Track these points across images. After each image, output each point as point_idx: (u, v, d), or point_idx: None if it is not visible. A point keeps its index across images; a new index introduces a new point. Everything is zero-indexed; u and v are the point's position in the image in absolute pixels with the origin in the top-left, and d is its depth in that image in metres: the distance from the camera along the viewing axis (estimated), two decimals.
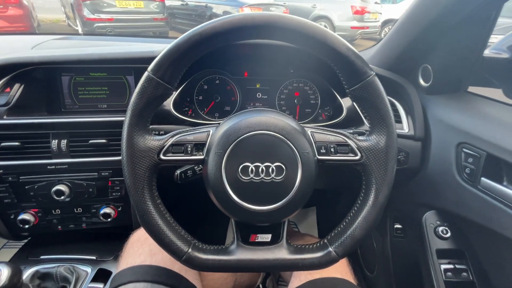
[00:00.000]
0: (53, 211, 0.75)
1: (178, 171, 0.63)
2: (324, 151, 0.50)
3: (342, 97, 0.79)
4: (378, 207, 0.49)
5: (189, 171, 0.65)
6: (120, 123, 0.47)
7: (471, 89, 0.77)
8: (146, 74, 0.46)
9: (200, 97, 0.85)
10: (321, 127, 0.52)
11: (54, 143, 0.70)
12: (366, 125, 0.76)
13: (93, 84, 0.79)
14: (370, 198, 0.49)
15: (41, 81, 0.76)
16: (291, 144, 0.47)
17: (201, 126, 0.52)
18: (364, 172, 0.50)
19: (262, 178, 0.46)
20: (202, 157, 0.49)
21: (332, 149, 0.50)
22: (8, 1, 4.61)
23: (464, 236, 0.68)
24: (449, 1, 0.59)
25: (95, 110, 0.80)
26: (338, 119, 0.76)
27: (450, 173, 0.64)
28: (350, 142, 0.50)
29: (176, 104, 0.77)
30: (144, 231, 0.70)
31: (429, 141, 0.71)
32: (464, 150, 0.62)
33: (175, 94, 0.76)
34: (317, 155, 0.49)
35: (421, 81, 0.78)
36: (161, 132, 0.69)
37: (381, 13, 6.63)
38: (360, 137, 0.51)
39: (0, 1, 4.54)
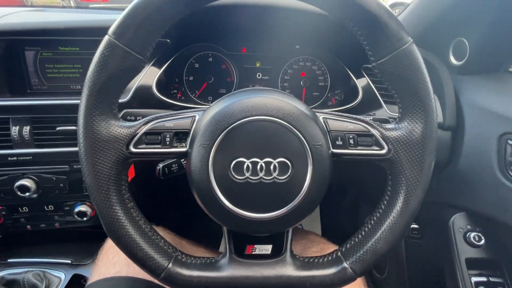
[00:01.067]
0: (19, 208, 0.65)
1: (160, 165, 0.52)
2: (340, 142, 0.39)
3: (357, 77, 0.66)
4: (409, 215, 0.39)
5: (174, 165, 0.54)
6: None
7: None
8: (106, 38, 0.34)
9: (191, 78, 0.73)
10: (336, 113, 0.41)
11: (14, 130, 0.59)
12: (385, 110, 0.64)
13: (64, 61, 0.67)
14: (399, 203, 0.39)
15: (1, 57, 0.64)
16: (299, 134, 0.36)
17: (184, 111, 0.40)
18: (392, 170, 0.39)
19: (261, 177, 0.35)
20: (184, 149, 0.38)
21: (351, 141, 0.39)
22: None
23: (501, 244, 0.58)
24: None
25: (67, 91, 0.68)
26: (352, 104, 0.65)
27: (489, 169, 0.53)
28: (374, 131, 0.39)
29: (161, 85, 0.65)
30: None
31: (462, 130, 0.59)
32: (510, 142, 0.51)
33: (159, 72, 0.64)
34: (331, 148, 0.38)
35: (452, 59, 0.65)
36: (138, 118, 0.57)
37: None
38: (387, 125, 0.39)
39: None
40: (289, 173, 0.36)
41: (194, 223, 0.81)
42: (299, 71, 0.74)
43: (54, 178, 0.62)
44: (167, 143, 0.38)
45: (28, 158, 0.60)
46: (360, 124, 0.40)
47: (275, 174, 0.36)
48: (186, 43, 0.68)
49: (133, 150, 0.37)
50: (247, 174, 0.36)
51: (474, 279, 0.56)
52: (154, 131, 0.38)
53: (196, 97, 0.74)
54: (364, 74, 0.66)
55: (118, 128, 0.37)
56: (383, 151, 0.38)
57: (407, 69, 0.36)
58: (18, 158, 0.60)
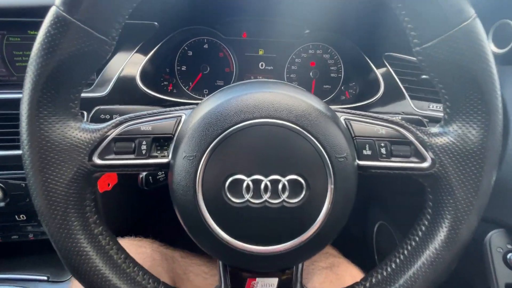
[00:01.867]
0: None
1: (143, 174, 0.44)
2: (369, 152, 0.30)
3: (378, 67, 0.56)
4: (457, 247, 0.30)
5: (160, 173, 0.45)
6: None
7: None
8: (53, 11, 0.25)
9: (183, 67, 0.64)
10: (361, 113, 0.32)
11: None
12: (411, 107, 0.54)
13: None
14: (443, 231, 0.30)
15: None
16: (317, 143, 0.27)
17: (167, 109, 0.31)
18: (435, 188, 0.30)
19: (265, 201, 0.27)
20: (166, 160, 0.30)
21: (383, 150, 0.30)
22: None
23: None
24: None
25: None
26: (372, 99, 0.55)
27: None
28: (412, 137, 0.30)
29: (147, 76, 0.55)
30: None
31: (507, 132, 0.49)
32: None
33: (144, 60, 0.54)
34: (358, 160, 0.29)
35: (493, 47, 0.55)
36: (114, 117, 0.48)
37: None
38: (432, 129, 0.30)
39: None
40: (302, 195, 0.27)
41: (186, 241, 0.73)
42: (308, 60, 0.64)
43: (24, 185, 0.53)
44: (143, 152, 0.29)
45: None
46: (394, 128, 0.30)
47: (284, 197, 0.27)
48: (177, 26, 0.58)
49: (98, 162, 0.28)
50: (247, 197, 0.27)
51: None
52: (127, 136, 0.29)
53: (189, 90, 0.65)
54: (386, 64, 0.56)
55: (78, 132, 0.28)
56: (425, 164, 0.29)
57: (466, 54, 0.26)
58: None
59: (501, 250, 0.50)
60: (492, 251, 0.50)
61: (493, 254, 0.50)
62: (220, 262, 0.33)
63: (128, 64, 0.53)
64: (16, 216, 0.57)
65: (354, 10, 0.41)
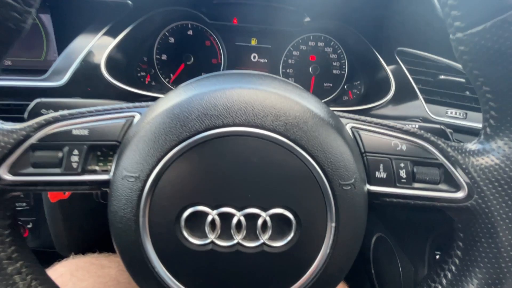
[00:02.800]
0: None
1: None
2: (383, 175, 0.23)
3: (389, 64, 0.48)
4: None
5: None
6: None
7: None
8: None
9: (163, 56, 0.55)
10: (372, 120, 0.24)
11: None
12: (426, 111, 0.46)
13: None
14: (477, 285, 0.22)
15: None
16: (313, 164, 0.19)
17: (118, 106, 0.23)
18: (470, 226, 0.23)
19: (237, 243, 0.19)
20: (107, 176, 0.21)
21: (403, 172, 0.22)
22: None
23: None
24: None
25: None
26: (381, 102, 0.47)
27: None
28: (441, 156, 0.22)
29: (116, 64, 0.47)
30: (72, 263, 0.44)
31: None
32: None
33: (112, 45, 0.45)
34: (367, 184, 0.21)
35: None
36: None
37: None
38: (469, 145, 0.22)
39: None
40: (291, 236, 0.19)
41: None
42: (308, 53, 0.56)
43: None
44: (73, 165, 0.21)
45: None
46: (418, 143, 0.23)
47: (264, 238, 0.19)
48: (155, 5, 0.49)
49: (8, 177, 0.20)
50: (212, 237, 0.19)
51: None
52: (51, 143, 0.21)
53: (170, 83, 0.56)
54: (399, 60, 0.48)
55: None
56: (460, 195, 0.22)
57: None
58: None
59: None
60: None
61: None
62: None
63: (93, 49, 0.45)
64: None
65: None
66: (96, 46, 0.45)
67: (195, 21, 0.54)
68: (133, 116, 0.23)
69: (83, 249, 0.46)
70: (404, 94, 0.46)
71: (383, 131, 0.23)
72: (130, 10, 0.47)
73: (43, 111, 0.34)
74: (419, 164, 0.22)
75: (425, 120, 0.45)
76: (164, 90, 0.56)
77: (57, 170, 0.21)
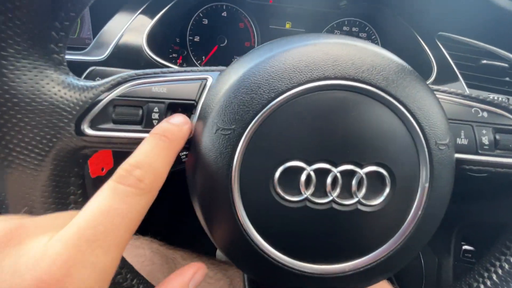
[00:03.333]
0: None
1: None
2: (465, 141, 0.22)
3: (430, 47, 0.48)
4: None
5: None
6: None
7: None
8: None
9: (196, 38, 0.54)
10: (448, 90, 0.24)
11: None
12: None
13: None
14: None
15: None
16: (412, 120, 0.18)
17: (188, 68, 0.23)
18: None
19: (332, 200, 0.18)
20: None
21: (485, 139, 0.22)
22: None
23: None
24: None
25: None
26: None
27: None
28: None
29: (154, 42, 0.46)
30: None
31: None
32: None
33: (151, 23, 0.45)
34: (454, 152, 0.21)
35: None
36: None
37: None
38: None
39: None
40: (385, 193, 0.19)
41: (187, 228, 0.64)
42: None
43: None
44: (154, 122, 0.21)
45: None
46: (498, 112, 0.22)
47: (360, 196, 0.18)
48: None
49: (89, 132, 0.20)
50: (307, 193, 0.18)
51: None
52: (132, 99, 0.20)
53: (202, 65, 0.56)
54: (440, 45, 0.47)
55: (62, 88, 0.19)
56: None
57: None
58: None
59: None
60: None
61: None
62: (246, 277, 0.24)
63: (131, 26, 0.44)
64: None
65: None
66: (135, 23, 0.44)
67: (230, 2, 0.53)
68: (206, 79, 0.22)
69: None
70: (446, 78, 0.46)
71: (462, 100, 0.23)
72: None
73: (97, 79, 0.33)
74: (502, 131, 0.22)
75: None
76: None
77: (138, 127, 0.21)
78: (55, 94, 0.19)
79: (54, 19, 0.18)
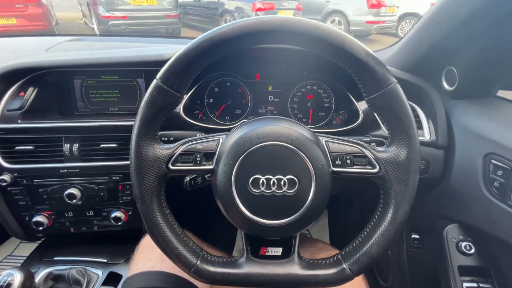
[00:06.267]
0: (65, 213, 0.76)
1: (187, 178, 0.62)
2: (339, 162, 0.47)
3: (358, 100, 0.75)
4: (397, 224, 0.46)
5: (198, 178, 0.64)
6: (130, 128, 0.46)
7: (501, 93, 0.71)
8: (154, 82, 0.45)
9: (211, 100, 0.84)
10: (336, 137, 0.50)
11: (66, 147, 0.71)
12: (383, 130, 0.72)
13: (105, 87, 0.79)
14: (389, 214, 0.46)
15: (53, 85, 0.77)
16: (304, 156, 0.44)
17: (210, 135, 0.50)
18: (383, 186, 0.47)
19: (273, 191, 0.44)
20: (211, 167, 0.47)
21: (348, 161, 0.47)
22: (28, 0, 4.79)
23: (490, 253, 0.63)
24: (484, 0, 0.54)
25: (106, 113, 0.80)
26: (354, 124, 0.73)
27: (476, 185, 0.60)
28: (367, 153, 0.47)
29: (186, 108, 0.75)
30: (147, 239, 0.69)
31: (453, 149, 0.66)
32: (493, 161, 0.58)
33: (185, 98, 0.75)
34: (332, 167, 0.47)
35: (445, 85, 0.73)
36: (170, 139, 0.68)
37: (398, 7, 6.32)
38: (379, 148, 0.47)
39: (20, 0, 4.72)
40: (296, 188, 0.44)
41: (212, 230, 0.90)
42: (307, 94, 0.83)
43: (96, 188, 0.72)
44: (198, 161, 0.48)
45: (76, 170, 0.71)
46: (356, 147, 0.48)
47: (284, 189, 0.44)
48: (208, 72, 0.79)
49: (171, 167, 0.47)
50: (262, 188, 0.44)
51: (465, 284, 0.61)
52: (188, 152, 0.48)
53: (215, 117, 0.84)
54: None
55: (160, 150, 0.47)
56: (375, 170, 0.46)
57: (393, 104, 0.44)
58: (68, 170, 0.71)
59: (455, 240, 0.65)
60: (448, 240, 0.65)
61: (449, 243, 0.65)
62: (243, 235, 0.50)
63: None
64: (86, 212, 0.76)
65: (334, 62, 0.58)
66: None
67: (232, 77, 0.83)
68: (219, 139, 0.49)
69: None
70: (369, 119, 0.72)
71: (340, 142, 0.49)
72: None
73: (163, 138, 0.61)
74: (356, 156, 0.47)
75: (379, 135, 0.70)
76: (211, 121, 0.84)
77: (191, 164, 0.47)
78: (157, 153, 0.46)
79: (158, 127, 0.47)
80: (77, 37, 1.14)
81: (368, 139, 0.64)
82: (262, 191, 0.44)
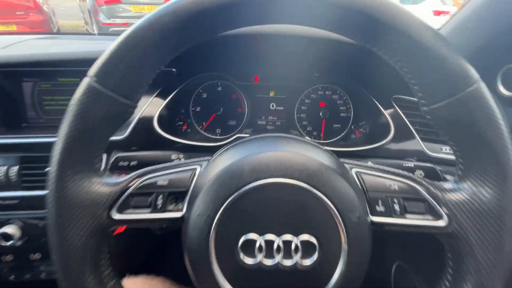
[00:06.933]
0: (2, 257, 0.58)
1: None
2: (382, 208, 0.30)
3: (386, 108, 0.57)
4: None
5: None
6: None
7: None
8: (86, 82, 0.28)
9: (198, 109, 0.67)
10: (368, 165, 0.32)
11: (1, 170, 0.53)
12: (423, 148, 0.54)
13: (63, 92, 0.63)
14: None
15: None
16: (328, 202, 0.27)
17: (183, 162, 0.33)
18: (454, 248, 0.29)
19: (278, 262, 0.26)
20: (180, 214, 0.30)
21: (397, 206, 0.30)
22: (28, 7, 4.78)
23: None
24: None
25: None
26: (383, 142, 0.55)
27: None
28: (425, 192, 0.29)
29: (162, 119, 0.58)
30: (136, 281, 0.51)
31: None
32: None
33: (161, 106, 0.57)
34: (370, 215, 0.29)
35: (502, 89, 0.55)
36: (132, 164, 0.50)
37: None
38: (445, 184, 0.30)
39: (20, 7, 4.71)
40: (315, 255, 0.27)
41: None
42: (318, 101, 0.66)
43: (41, 225, 0.55)
44: (158, 206, 0.30)
45: (14, 201, 0.54)
46: (407, 183, 0.30)
47: (297, 257, 0.27)
48: (194, 72, 0.62)
49: (116, 217, 0.29)
50: (260, 257, 0.27)
51: None
52: (143, 191, 0.30)
53: (203, 130, 0.67)
54: (395, 106, 0.57)
55: (100, 186, 0.29)
56: (442, 223, 0.29)
57: (474, 115, 0.27)
58: (4, 201, 0.53)
59: None
60: None
61: None
62: None
63: (147, 108, 0.57)
64: (31, 255, 0.58)
65: (356, 56, 0.42)
66: (150, 106, 0.57)
67: (224, 80, 0.66)
68: (195, 169, 0.32)
69: (134, 272, 0.54)
70: (403, 134, 0.55)
71: (379, 174, 0.31)
72: (175, 76, 0.60)
73: (120, 163, 0.44)
74: (409, 199, 0.30)
75: (423, 155, 0.52)
76: (197, 135, 0.67)
77: (147, 211, 0.30)
78: (95, 192, 0.29)
79: (97, 153, 0.29)
80: (49, 35, 0.98)
81: (412, 165, 0.46)
82: (260, 262, 0.27)
